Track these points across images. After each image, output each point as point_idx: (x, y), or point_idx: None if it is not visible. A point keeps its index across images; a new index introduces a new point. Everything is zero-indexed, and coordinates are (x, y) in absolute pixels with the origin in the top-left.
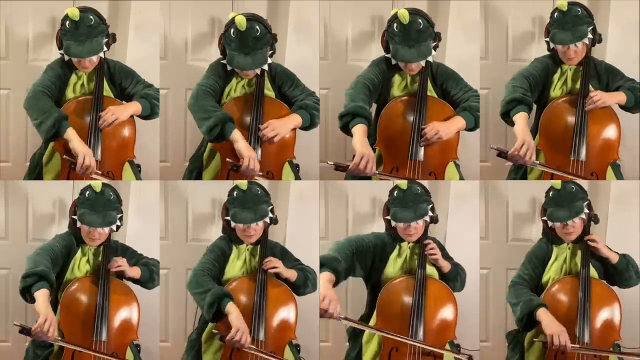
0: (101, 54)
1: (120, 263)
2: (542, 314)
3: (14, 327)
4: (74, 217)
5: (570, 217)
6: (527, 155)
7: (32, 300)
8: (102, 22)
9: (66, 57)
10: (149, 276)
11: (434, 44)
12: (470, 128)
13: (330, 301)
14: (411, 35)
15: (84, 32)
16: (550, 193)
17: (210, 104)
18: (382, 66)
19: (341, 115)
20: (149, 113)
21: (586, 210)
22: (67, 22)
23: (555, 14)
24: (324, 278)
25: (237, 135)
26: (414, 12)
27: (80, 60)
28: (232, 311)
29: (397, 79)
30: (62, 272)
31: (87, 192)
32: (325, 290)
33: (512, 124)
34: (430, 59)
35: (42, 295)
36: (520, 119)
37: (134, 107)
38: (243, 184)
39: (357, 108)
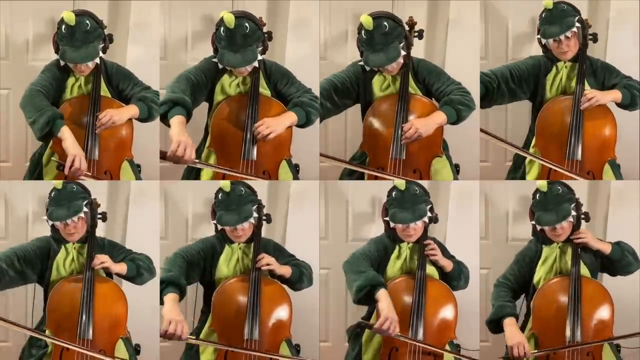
0: (97, 60)
1: (102, 259)
2: (507, 325)
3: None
4: (45, 217)
5: (558, 221)
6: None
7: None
8: (99, 26)
9: (62, 62)
10: (136, 271)
11: (402, 43)
12: (453, 122)
13: (391, 322)
14: (376, 40)
15: (79, 37)
16: (537, 195)
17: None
18: (358, 67)
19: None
20: (147, 116)
21: (573, 213)
22: (63, 27)
23: (543, 13)
24: (385, 295)
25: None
26: (378, 16)
27: (77, 65)
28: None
29: (378, 79)
30: (42, 274)
31: (53, 193)
32: (390, 312)
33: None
34: (401, 59)
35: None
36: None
37: (132, 110)
38: (226, 185)
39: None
